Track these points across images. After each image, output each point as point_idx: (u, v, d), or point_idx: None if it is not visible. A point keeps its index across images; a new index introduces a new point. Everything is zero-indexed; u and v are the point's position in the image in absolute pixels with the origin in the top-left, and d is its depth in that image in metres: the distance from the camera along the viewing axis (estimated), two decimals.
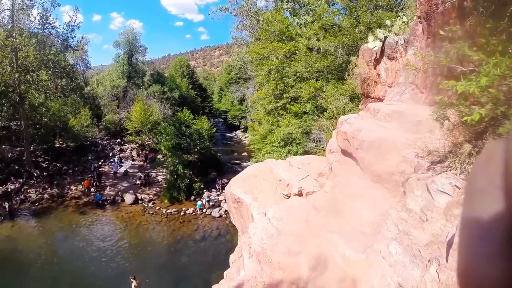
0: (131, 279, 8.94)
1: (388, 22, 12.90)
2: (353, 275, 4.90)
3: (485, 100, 3.87)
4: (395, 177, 6.15)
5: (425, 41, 8.14)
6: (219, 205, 28.55)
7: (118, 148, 41.79)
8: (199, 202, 28.34)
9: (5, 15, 28.50)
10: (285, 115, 23.24)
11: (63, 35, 33.78)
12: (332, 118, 18.16)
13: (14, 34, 27.87)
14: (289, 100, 23.01)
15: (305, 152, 19.15)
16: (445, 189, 3.82)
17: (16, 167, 30.82)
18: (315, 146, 19.38)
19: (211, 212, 27.26)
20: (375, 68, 13.48)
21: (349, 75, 18.46)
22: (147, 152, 39.82)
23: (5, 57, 27.47)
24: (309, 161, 12.51)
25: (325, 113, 19.14)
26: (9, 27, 28.41)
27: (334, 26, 21.55)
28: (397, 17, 12.94)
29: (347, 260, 5.24)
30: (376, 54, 12.62)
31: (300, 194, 10.06)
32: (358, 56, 15.00)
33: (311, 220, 8.13)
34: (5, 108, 30.11)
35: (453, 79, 4.95)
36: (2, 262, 19.37)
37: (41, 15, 30.20)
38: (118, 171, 34.57)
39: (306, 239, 7.19)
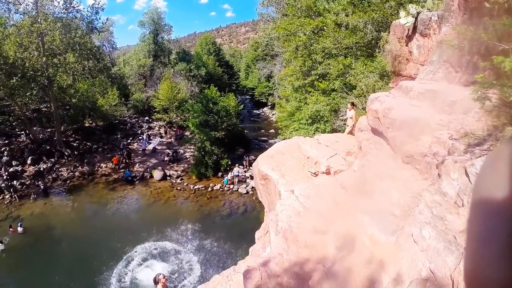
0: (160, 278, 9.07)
1: None
2: (381, 257, 4.82)
3: None
4: (427, 159, 5.95)
5: (461, 17, 7.71)
6: (245, 181, 28.81)
7: (146, 126, 42.52)
8: (226, 178, 28.70)
9: (29, 2, 28.93)
10: (313, 92, 22.84)
11: (88, 18, 34.32)
12: (361, 96, 17.72)
13: (39, 20, 28.31)
14: (317, 77, 22.51)
15: (333, 130, 18.86)
16: None
17: (48, 147, 32.03)
18: (344, 124, 19.04)
19: (238, 188, 27.58)
20: (407, 45, 13.00)
21: (379, 51, 17.88)
22: (176, 129, 40.32)
23: (31, 43, 28.02)
24: (337, 139, 12.32)
25: (354, 90, 18.66)
26: (33, 13, 28.81)
27: (363, 1, 20.69)
28: None
29: (376, 241, 5.15)
30: (408, 31, 12.15)
31: (328, 173, 9.96)
32: (389, 32, 14.49)
33: (339, 199, 8.05)
34: (35, 92, 30.87)
35: (491, 58, 4.68)
36: (36, 238, 20.34)
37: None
38: (146, 148, 35.33)
39: (333, 218, 7.14)
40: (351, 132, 13.18)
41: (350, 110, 13.48)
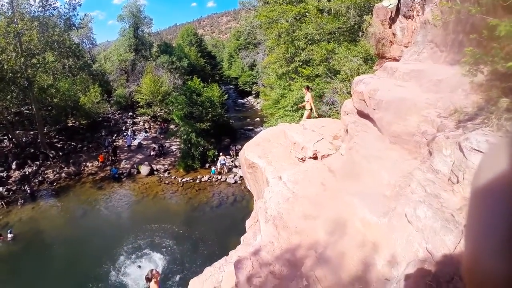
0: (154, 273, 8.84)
1: None
2: (374, 239, 4.73)
3: None
4: (415, 138, 5.87)
5: None
6: (233, 171, 28.76)
7: (131, 122, 41.98)
8: (212, 168, 28.67)
9: (4, 2, 28.19)
10: (297, 79, 22.74)
11: (65, 14, 33.69)
12: (345, 80, 17.68)
13: (15, 20, 27.57)
14: (301, 63, 22.41)
15: (319, 116, 18.82)
16: (480, 147, 3.52)
17: (32, 150, 31.36)
18: (329, 109, 19.01)
19: (226, 179, 27.53)
20: (390, 27, 12.92)
21: (363, 35, 17.81)
22: (160, 123, 39.94)
23: (8, 44, 27.24)
24: (323, 123, 12.24)
25: (338, 75, 18.62)
26: (9, 13, 28.05)
27: None
28: None
29: (368, 224, 5.06)
30: (391, 13, 12.05)
31: (315, 157, 9.87)
32: (372, 15, 14.38)
33: (328, 183, 7.97)
34: (15, 94, 30.11)
35: (474, 37, 4.57)
36: (27, 243, 19.95)
37: None
38: (132, 144, 34.95)
39: (323, 202, 7.05)
40: (309, 116, 13.10)
41: (306, 94, 13.29)
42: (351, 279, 4.57)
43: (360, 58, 17.41)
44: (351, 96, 9.73)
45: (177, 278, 16.62)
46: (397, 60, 11.20)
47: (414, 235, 3.86)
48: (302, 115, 21.09)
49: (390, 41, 13.19)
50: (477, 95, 4.83)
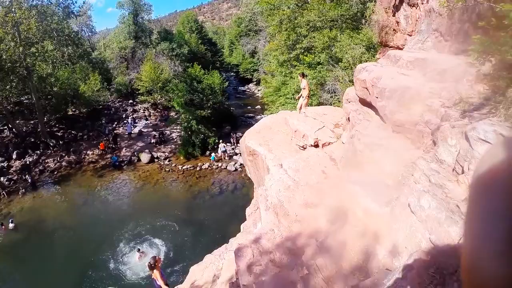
0: (157, 258, 8.89)
1: None
2: (376, 229, 4.69)
3: None
4: (419, 127, 5.80)
5: None
6: (233, 159, 28.76)
7: (131, 109, 41.73)
8: (212, 155, 28.66)
9: None
10: (299, 66, 22.53)
11: (64, 2, 33.36)
12: (347, 68, 17.51)
13: (13, 9, 27.16)
14: (302, 50, 22.17)
15: (320, 104, 18.70)
16: (488, 137, 3.43)
17: (32, 140, 31.20)
18: (330, 97, 18.88)
19: (226, 166, 27.49)
20: (394, 15, 12.75)
21: (366, 22, 17.59)
22: (160, 110, 39.79)
23: (7, 33, 26.88)
24: (324, 111, 12.17)
25: (340, 63, 18.44)
26: (7, 3, 27.59)
27: None
28: None
29: (369, 213, 5.02)
30: (395, 0, 11.87)
31: (316, 145, 9.84)
32: (375, 2, 14.19)
33: (329, 172, 7.93)
34: (14, 84, 29.87)
35: (483, 25, 4.46)
36: (28, 233, 19.98)
37: None
38: (132, 132, 34.76)
39: (324, 191, 7.02)
40: (306, 104, 12.84)
41: (301, 81, 12.95)
42: (352, 268, 4.55)
43: (363, 46, 17.20)
44: (353, 84, 9.64)
45: (178, 265, 16.69)
46: (400, 49, 11.09)
47: (417, 226, 3.81)
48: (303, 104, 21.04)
49: (394, 29, 13.04)
50: (483, 85, 4.74)
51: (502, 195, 0.59)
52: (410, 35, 11.25)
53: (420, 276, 2.84)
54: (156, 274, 8.93)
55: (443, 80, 6.06)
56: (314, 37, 20.99)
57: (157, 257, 9.25)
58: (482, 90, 4.71)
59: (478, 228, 0.61)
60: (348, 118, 8.85)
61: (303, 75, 12.96)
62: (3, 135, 31.95)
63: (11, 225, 20.31)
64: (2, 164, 27.91)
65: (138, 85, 40.31)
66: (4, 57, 26.71)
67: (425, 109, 5.77)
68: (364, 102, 8.30)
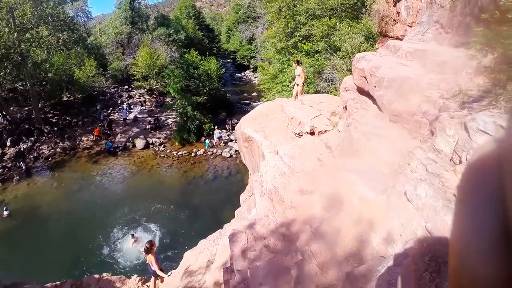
0: (153, 242, 8.95)
1: None
2: (371, 217, 4.72)
3: None
4: (416, 118, 5.81)
5: None
6: (229, 145, 28.76)
7: (126, 95, 41.48)
8: (207, 141, 28.64)
9: None
10: (296, 54, 22.38)
11: None
12: (345, 57, 17.42)
13: None
14: (301, 38, 22.00)
15: (317, 92, 18.64)
16: (487, 128, 3.44)
17: (27, 126, 30.91)
18: (327, 85, 18.81)
19: (221, 152, 27.51)
20: (394, 5, 12.72)
21: (366, 12, 17.47)
22: (156, 96, 39.56)
23: (1, 19, 26.43)
24: (321, 99, 12.15)
25: (338, 52, 18.33)
26: None
27: None
28: None
29: (365, 200, 5.04)
30: None
31: (312, 133, 9.84)
32: None
33: (325, 159, 7.95)
34: (8, 70, 29.54)
35: (487, 17, 4.43)
36: (23, 220, 19.91)
37: None
38: (127, 118, 34.55)
39: (320, 177, 7.04)
40: (302, 92, 12.76)
41: (296, 68, 12.78)
42: (346, 255, 4.59)
43: (362, 35, 17.10)
44: (351, 73, 9.61)
45: (172, 251, 16.74)
46: (400, 39, 11.07)
47: (413, 214, 3.84)
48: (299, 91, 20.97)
49: (394, 20, 13.01)
50: (483, 78, 4.73)
51: (490, 189, 0.58)
52: (411, 26, 11.24)
53: (416, 263, 2.87)
54: (150, 259, 8.97)
55: (443, 71, 6.06)
56: (313, 25, 20.83)
57: (152, 241, 9.29)
58: (482, 83, 4.71)
59: (466, 222, 0.61)
60: (345, 106, 8.84)
61: (298, 62, 12.87)
62: None
63: (5, 213, 20.20)
64: None
65: (134, 71, 40.05)
66: None
67: (424, 100, 5.77)
68: (362, 91, 8.29)
